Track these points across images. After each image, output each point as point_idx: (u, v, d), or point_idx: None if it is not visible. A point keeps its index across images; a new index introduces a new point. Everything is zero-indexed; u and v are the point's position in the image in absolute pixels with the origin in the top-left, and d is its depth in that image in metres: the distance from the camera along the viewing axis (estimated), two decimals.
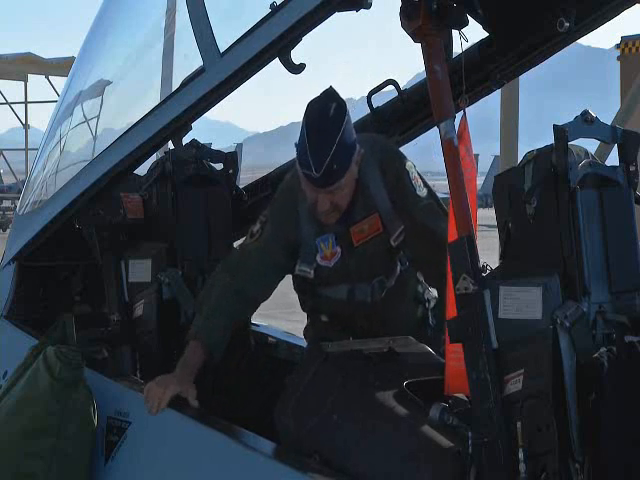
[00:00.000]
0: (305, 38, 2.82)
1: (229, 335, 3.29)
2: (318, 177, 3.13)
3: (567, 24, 2.96)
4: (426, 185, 3.41)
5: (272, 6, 2.79)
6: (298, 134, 3.18)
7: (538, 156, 2.53)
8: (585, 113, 2.55)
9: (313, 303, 3.51)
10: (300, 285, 3.51)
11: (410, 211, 3.33)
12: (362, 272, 3.40)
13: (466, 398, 2.55)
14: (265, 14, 2.81)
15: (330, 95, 3.22)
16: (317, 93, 3.32)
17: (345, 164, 3.17)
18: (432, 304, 3.59)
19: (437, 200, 3.43)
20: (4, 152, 34.93)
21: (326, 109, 3.17)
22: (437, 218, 3.33)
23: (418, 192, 3.34)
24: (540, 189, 2.49)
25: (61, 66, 26.69)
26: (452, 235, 2.53)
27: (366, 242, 3.35)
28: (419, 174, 3.40)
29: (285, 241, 3.34)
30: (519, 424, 2.39)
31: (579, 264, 2.43)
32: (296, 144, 3.23)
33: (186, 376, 3.16)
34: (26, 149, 33.11)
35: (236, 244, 3.70)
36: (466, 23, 2.70)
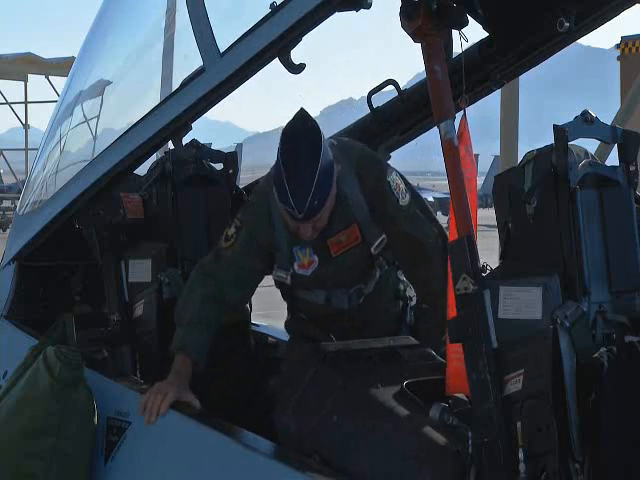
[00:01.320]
0: (305, 38, 2.82)
1: (211, 341, 3.28)
2: (301, 216, 3.11)
3: (567, 24, 2.96)
4: (409, 189, 3.38)
5: (272, 6, 2.79)
6: None
7: (538, 156, 2.54)
8: (585, 113, 2.55)
9: (292, 303, 3.53)
10: (278, 285, 3.51)
11: (393, 221, 3.33)
12: (339, 280, 3.41)
13: (466, 398, 2.55)
14: (265, 14, 2.81)
15: (302, 120, 3.15)
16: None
17: (326, 194, 3.13)
18: (413, 301, 3.60)
19: (421, 203, 3.43)
20: (4, 152, 34.94)
21: (300, 142, 3.10)
22: (421, 225, 3.35)
23: (401, 202, 3.32)
24: (540, 189, 2.49)
25: (61, 66, 26.70)
26: (452, 235, 2.53)
27: (345, 252, 3.35)
28: (401, 177, 3.37)
29: (261, 246, 3.34)
30: (519, 424, 2.39)
31: (579, 264, 2.43)
32: (272, 176, 3.17)
33: (182, 382, 3.17)
34: (26, 149, 33.11)
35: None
36: (466, 23, 2.70)
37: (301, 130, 3.14)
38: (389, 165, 3.44)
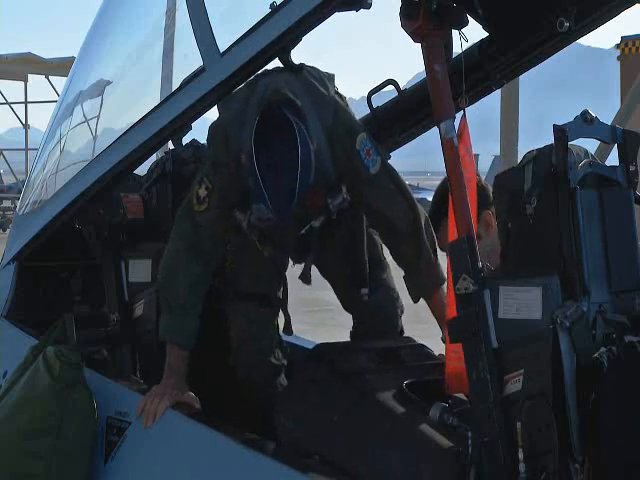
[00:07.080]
0: (305, 38, 2.82)
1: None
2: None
3: (567, 24, 2.96)
4: (379, 152, 3.25)
5: (272, 6, 2.79)
6: None
7: (538, 156, 2.54)
8: (585, 113, 2.55)
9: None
10: None
11: (360, 192, 3.26)
12: (294, 228, 3.37)
13: (466, 398, 2.55)
14: (265, 14, 2.81)
15: (273, 114, 2.93)
16: None
17: (305, 190, 2.98)
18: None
19: (391, 171, 3.28)
20: (4, 152, 34.92)
21: (275, 145, 2.91)
22: (389, 196, 3.25)
23: (371, 170, 3.20)
24: (540, 189, 2.50)
25: (61, 66, 26.71)
26: (452, 235, 2.53)
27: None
28: (371, 139, 3.23)
29: (233, 200, 3.23)
30: (519, 424, 2.39)
31: (579, 264, 2.44)
32: (249, 175, 2.97)
33: (180, 382, 3.17)
34: (26, 149, 33.12)
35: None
36: (466, 23, 2.70)
37: (276, 129, 2.94)
38: (359, 127, 3.28)
